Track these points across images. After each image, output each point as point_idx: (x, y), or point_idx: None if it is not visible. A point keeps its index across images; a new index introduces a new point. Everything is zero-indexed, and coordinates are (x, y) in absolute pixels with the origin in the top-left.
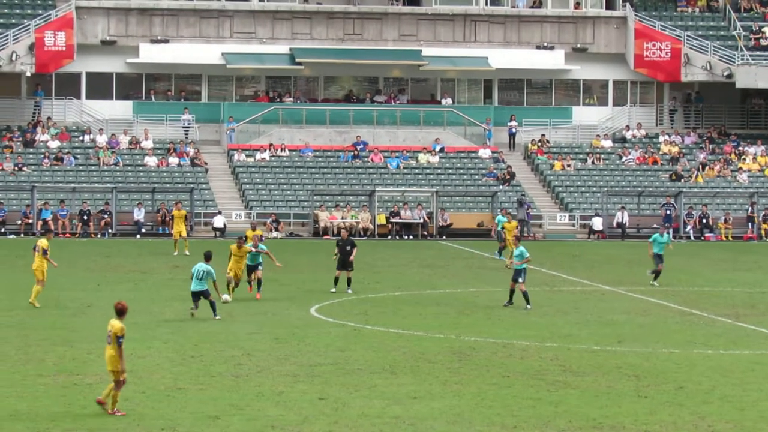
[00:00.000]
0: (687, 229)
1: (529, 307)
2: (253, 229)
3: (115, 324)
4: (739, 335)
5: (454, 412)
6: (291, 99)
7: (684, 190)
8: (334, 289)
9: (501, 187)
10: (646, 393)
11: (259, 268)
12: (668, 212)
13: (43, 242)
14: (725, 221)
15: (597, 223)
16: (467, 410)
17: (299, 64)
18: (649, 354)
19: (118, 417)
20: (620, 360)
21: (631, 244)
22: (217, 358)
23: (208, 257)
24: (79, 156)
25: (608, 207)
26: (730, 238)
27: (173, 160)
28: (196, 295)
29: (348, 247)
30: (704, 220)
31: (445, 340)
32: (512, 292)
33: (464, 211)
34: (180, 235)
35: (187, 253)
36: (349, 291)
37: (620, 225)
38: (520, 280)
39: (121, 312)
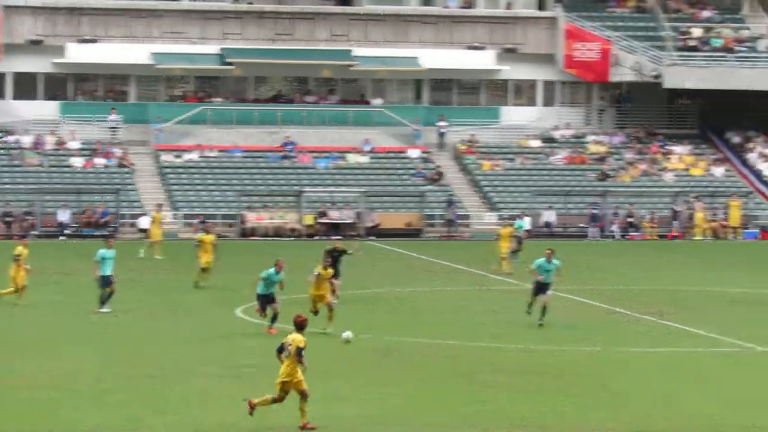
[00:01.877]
0: (613, 228)
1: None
2: (207, 233)
3: (297, 337)
4: (663, 333)
5: (381, 412)
6: (220, 99)
7: (611, 189)
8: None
9: (429, 187)
10: (572, 392)
11: (277, 300)
12: (595, 211)
13: None
14: (651, 220)
15: (525, 223)
16: (394, 410)
17: (229, 64)
18: (575, 353)
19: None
20: (547, 359)
21: (559, 243)
22: (141, 360)
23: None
24: (3, 157)
25: (536, 206)
26: (656, 237)
27: (99, 161)
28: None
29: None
30: (630, 219)
31: (372, 340)
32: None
33: (393, 211)
34: (152, 239)
35: (158, 256)
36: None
37: (547, 224)
38: (549, 292)
39: (300, 326)
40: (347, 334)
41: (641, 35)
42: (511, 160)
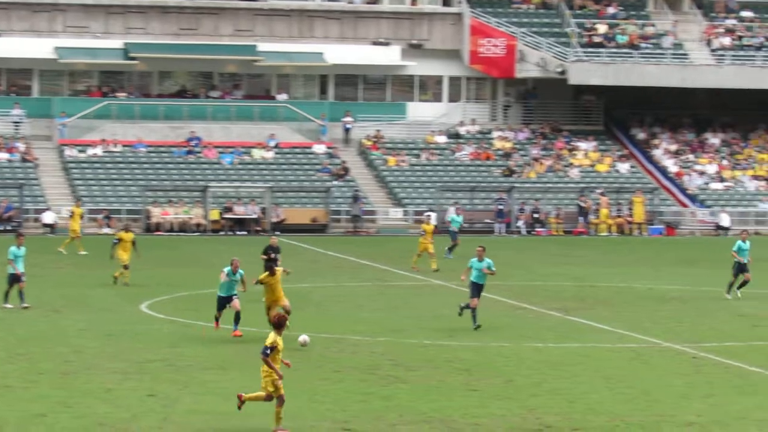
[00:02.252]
0: (519, 224)
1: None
2: (126, 231)
3: (270, 335)
4: (569, 329)
5: (286, 407)
6: (124, 94)
7: (516, 185)
8: None
9: (335, 182)
10: (476, 386)
11: (235, 298)
12: (501, 207)
13: None
14: (556, 216)
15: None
16: (298, 406)
17: (133, 58)
18: (480, 348)
19: None
20: (451, 354)
21: (463, 239)
22: (45, 356)
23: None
24: None
25: (441, 202)
26: (561, 233)
27: (3, 155)
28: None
29: (274, 255)
30: (536, 215)
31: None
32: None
33: (298, 207)
34: (72, 234)
35: (83, 251)
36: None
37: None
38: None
39: (278, 324)
40: (303, 337)
41: (546, 31)
42: (417, 155)
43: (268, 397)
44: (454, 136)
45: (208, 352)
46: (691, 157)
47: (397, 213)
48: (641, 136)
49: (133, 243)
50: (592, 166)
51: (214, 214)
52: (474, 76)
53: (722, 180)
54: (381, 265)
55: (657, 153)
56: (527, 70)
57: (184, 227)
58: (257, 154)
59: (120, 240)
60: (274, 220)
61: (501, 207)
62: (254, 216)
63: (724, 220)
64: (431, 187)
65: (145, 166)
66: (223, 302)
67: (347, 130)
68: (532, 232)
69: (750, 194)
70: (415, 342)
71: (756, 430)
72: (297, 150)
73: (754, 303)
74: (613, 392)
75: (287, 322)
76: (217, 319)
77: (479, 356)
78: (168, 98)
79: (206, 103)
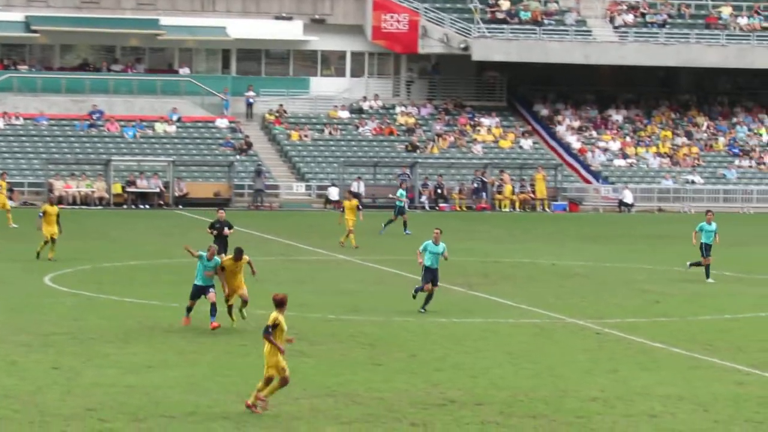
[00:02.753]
0: (422, 199)
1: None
2: (51, 204)
3: (272, 314)
4: (472, 304)
5: (190, 381)
6: (26, 67)
7: (419, 160)
8: None
9: (238, 156)
10: (380, 361)
11: (211, 290)
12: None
13: None
14: (459, 191)
15: (333, 193)
16: (203, 379)
17: (34, 31)
18: (384, 323)
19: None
20: (355, 329)
21: (367, 214)
22: None
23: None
24: None
25: (344, 177)
26: (464, 208)
27: None
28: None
29: (225, 229)
30: (439, 191)
31: (181, 309)
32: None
33: (201, 181)
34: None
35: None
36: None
37: (356, 195)
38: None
39: (279, 303)
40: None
41: (449, 7)
42: (320, 130)
43: (269, 380)
44: (357, 111)
45: (112, 325)
46: (594, 133)
47: (300, 188)
48: (544, 112)
49: (58, 216)
50: (495, 142)
51: (117, 188)
52: (377, 52)
53: (625, 157)
54: (285, 240)
55: (560, 129)
56: (430, 45)
57: (86, 201)
58: (160, 128)
59: (45, 213)
60: (177, 194)
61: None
62: (157, 190)
63: (627, 197)
64: (334, 162)
65: (47, 139)
66: (199, 292)
67: (250, 105)
68: (436, 208)
69: (653, 171)
70: (319, 316)
71: (659, 405)
72: (200, 124)
73: (656, 279)
74: (516, 367)
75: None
76: (189, 310)
77: (383, 331)
78: (70, 71)
79: (108, 76)
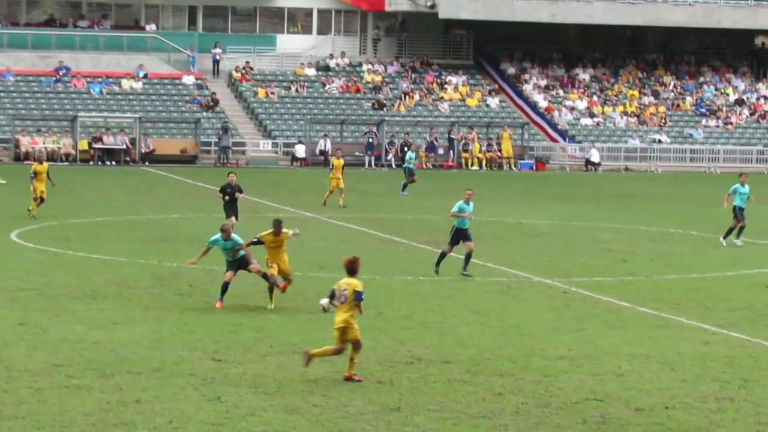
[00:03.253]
0: (389, 157)
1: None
2: (40, 163)
3: (352, 281)
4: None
5: (156, 337)
6: None
7: (386, 118)
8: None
9: (204, 113)
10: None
11: (254, 262)
12: (370, 140)
13: None
14: (426, 149)
15: (300, 151)
16: (168, 335)
17: None
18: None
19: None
20: (322, 286)
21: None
22: None
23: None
24: None
25: (311, 135)
26: (431, 167)
27: None
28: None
29: (236, 194)
30: (405, 149)
31: (147, 265)
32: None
33: (167, 138)
34: None
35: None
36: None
37: (323, 152)
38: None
39: (352, 269)
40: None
41: None
42: (287, 88)
43: (336, 352)
44: (324, 68)
45: (79, 282)
46: (560, 92)
47: (266, 145)
48: (511, 71)
49: (47, 173)
50: (462, 100)
51: (83, 144)
52: (344, 9)
53: (592, 116)
54: (251, 197)
55: (527, 88)
56: (397, 3)
57: (53, 157)
58: (126, 84)
59: (36, 173)
60: (144, 150)
61: (371, 140)
62: (123, 146)
63: (594, 156)
64: (301, 119)
65: (14, 95)
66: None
67: (217, 62)
68: (402, 165)
69: (620, 130)
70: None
71: (626, 364)
72: (166, 81)
73: (623, 238)
74: (483, 326)
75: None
76: (224, 291)
77: None
78: (36, 27)
79: (75, 32)
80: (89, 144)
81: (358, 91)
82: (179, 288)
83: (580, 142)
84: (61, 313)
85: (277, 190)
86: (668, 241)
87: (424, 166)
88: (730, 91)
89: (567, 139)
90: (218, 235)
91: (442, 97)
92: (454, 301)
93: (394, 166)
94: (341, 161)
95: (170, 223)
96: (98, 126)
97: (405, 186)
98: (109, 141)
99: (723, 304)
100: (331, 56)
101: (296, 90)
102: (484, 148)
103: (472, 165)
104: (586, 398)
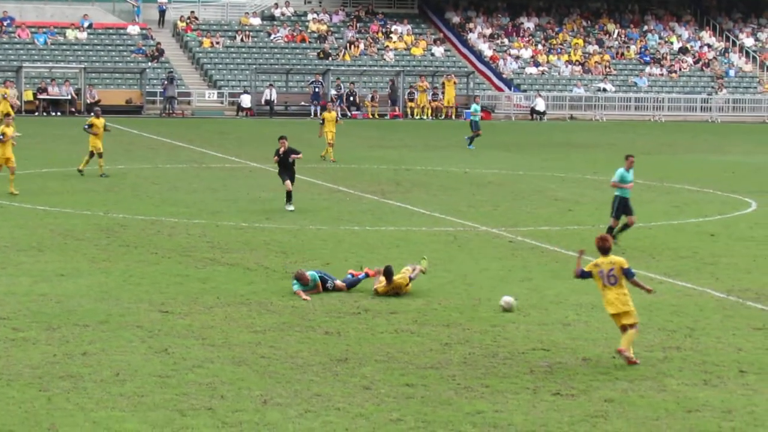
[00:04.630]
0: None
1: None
2: (98, 116)
3: (615, 259)
4: (385, 212)
5: (102, 289)
6: None
7: (332, 68)
8: (291, 207)
9: (150, 64)
10: (294, 269)
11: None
12: (316, 90)
13: None
14: (372, 99)
15: (245, 101)
16: (115, 287)
17: None
18: (297, 231)
19: None
20: (268, 236)
21: (280, 122)
22: None
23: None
24: None
25: (257, 84)
26: (377, 116)
27: None
28: None
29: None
30: (351, 98)
31: (93, 217)
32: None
33: (113, 88)
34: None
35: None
36: (290, 207)
37: (268, 102)
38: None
39: (605, 249)
40: (508, 299)
41: None
42: (232, 37)
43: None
44: (269, 18)
45: (24, 234)
46: (505, 41)
47: (212, 95)
48: (456, 20)
49: (105, 127)
50: (407, 49)
51: (28, 95)
52: None
53: (537, 65)
54: (197, 147)
55: (472, 37)
56: None
57: None
58: (71, 34)
59: (92, 126)
60: (89, 101)
61: (316, 90)
62: (68, 97)
63: (540, 105)
64: (246, 69)
65: None
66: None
67: (162, 12)
68: (348, 115)
69: (565, 79)
70: (231, 224)
71: (572, 313)
72: (111, 31)
73: (568, 186)
74: (429, 276)
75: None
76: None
77: (296, 239)
78: None
79: None
80: (34, 95)
81: (303, 40)
82: (126, 239)
83: (525, 91)
84: (7, 265)
85: (223, 140)
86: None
87: (370, 116)
88: (674, 39)
89: (512, 88)
90: (296, 284)
91: (387, 47)
92: (400, 250)
93: (339, 115)
94: (333, 114)
95: (116, 174)
96: (43, 77)
97: (471, 140)
98: (54, 92)
99: (668, 253)
100: (276, 5)
101: (241, 40)
102: (429, 98)
103: (417, 114)
104: (533, 348)
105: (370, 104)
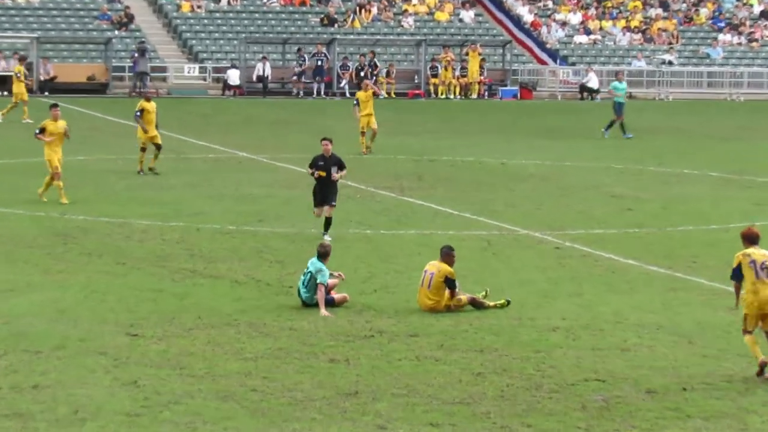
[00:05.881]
0: (342, 84)
1: None
2: (148, 99)
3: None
4: (403, 212)
5: (58, 307)
6: None
7: (338, 37)
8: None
9: (117, 32)
10: (291, 282)
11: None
12: (319, 64)
13: None
14: (388, 74)
15: (233, 77)
16: (73, 305)
17: None
18: (295, 235)
19: None
20: (261, 243)
21: (276, 102)
22: None
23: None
24: None
25: (247, 57)
26: (393, 95)
27: None
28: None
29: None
30: (362, 74)
31: (47, 219)
32: None
33: (72, 62)
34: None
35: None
36: (327, 237)
37: (261, 79)
38: None
39: (752, 239)
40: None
41: None
42: (217, 1)
43: None
44: None
45: None
46: (549, 3)
47: (192, 70)
48: None
49: (156, 115)
50: (430, 14)
51: None
52: None
53: (588, 32)
54: (174, 134)
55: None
56: None
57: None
58: None
59: (143, 111)
60: (43, 77)
61: (319, 63)
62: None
63: (592, 81)
64: (234, 39)
65: None
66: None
67: None
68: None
69: (622, 49)
70: (216, 228)
71: (633, 335)
72: None
73: (627, 180)
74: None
75: None
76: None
77: (294, 245)
78: None
79: None
80: None
81: (303, 3)
82: (87, 246)
83: (573, 64)
84: None
85: (207, 125)
86: (682, 183)
87: (386, 95)
88: (754, 1)
89: (558, 61)
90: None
91: (406, 11)
92: (422, 259)
93: (347, 94)
94: (369, 93)
95: (76, 167)
96: None
97: (611, 125)
98: (1, 66)
99: None
100: None
101: (228, 3)
102: (457, 73)
103: (441, 93)
104: (585, 378)
105: (386, 81)
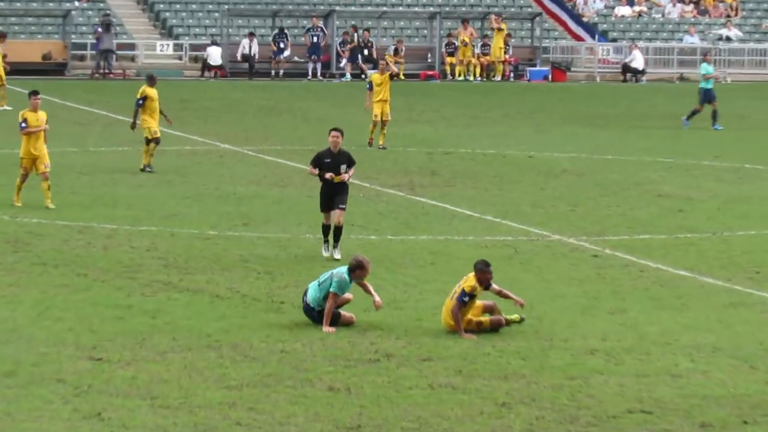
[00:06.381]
0: (342, 64)
1: None
2: (151, 85)
3: None
4: (414, 214)
5: (7, 326)
6: None
7: (338, 8)
8: (326, 253)
9: (77, 3)
10: (283, 297)
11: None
12: (315, 39)
13: None
14: (395, 52)
15: (214, 56)
16: (25, 324)
17: None
18: (287, 241)
19: None
20: (247, 250)
21: (264, 85)
22: None
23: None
24: None
25: (230, 33)
26: (402, 77)
27: None
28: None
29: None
30: (365, 51)
31: (5, 224)
32: None
33: (24, 38)
34: None
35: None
36: (337, 254)
37: (247, 58)
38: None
39: None
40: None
41: None
42: None
43: None
44: None
45: None
46: None
47: (166, 48)
48: None
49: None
50: None
51: None
52: None
53: (632, 3)
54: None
55: None
56: None
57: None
58: None
59: (146, 98)
60: None
61: (315, 40)
62: None
63: (637, 60)
64: (215, 11)
65: None
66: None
67: None
68: (361, 76)
69: (671, 23)
70: (194, 233)
71: (685, 359)
72: None
73: (678, 176)
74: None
75: None
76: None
77: (286, 253)
78: None
79: None
80: None
81: None
82: (41, 255)
83: (615, 40)
84: None
85: (183, 111)
86: (743, 181)
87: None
88: None
89: (597, 37)
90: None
91: None
92: (436, 269)
93: (349, 76)
94: (386, 75)
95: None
96: None
97: (692, 114)
98: None
99: None
100: None
101: None
102: (477, 51)
103: (460, 75)
104: (628, 410)
105: (393, 59)
